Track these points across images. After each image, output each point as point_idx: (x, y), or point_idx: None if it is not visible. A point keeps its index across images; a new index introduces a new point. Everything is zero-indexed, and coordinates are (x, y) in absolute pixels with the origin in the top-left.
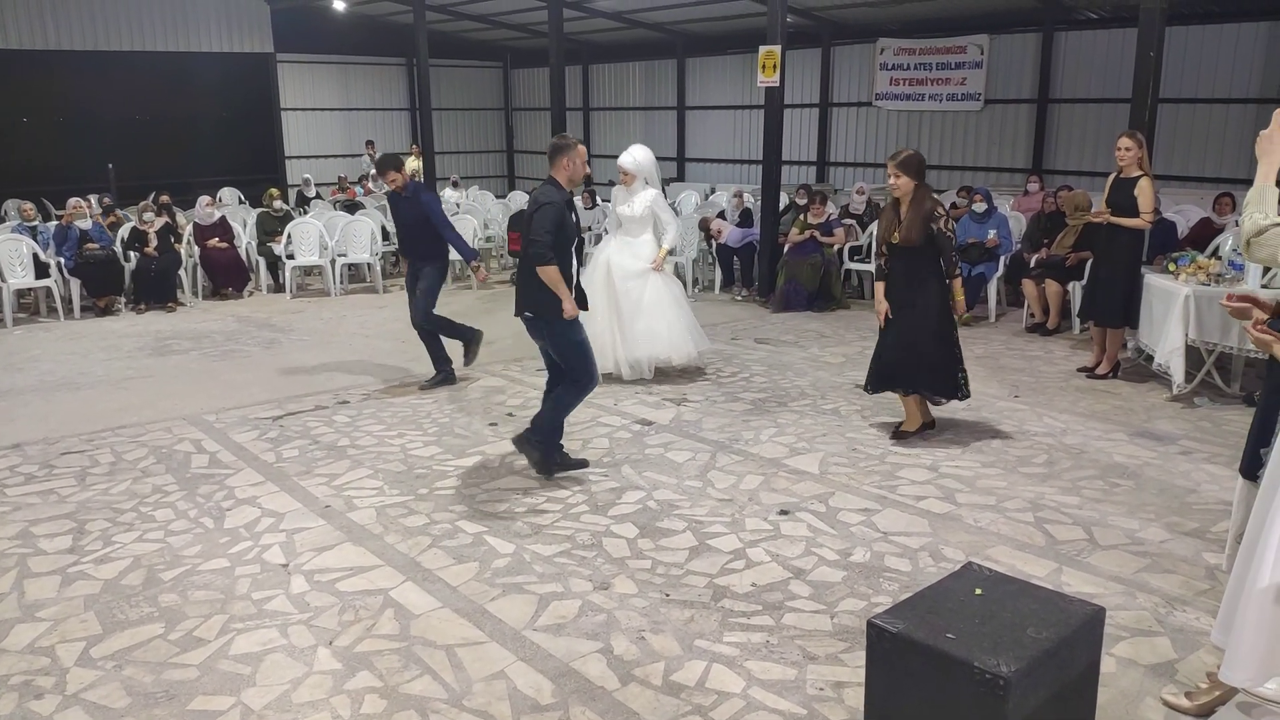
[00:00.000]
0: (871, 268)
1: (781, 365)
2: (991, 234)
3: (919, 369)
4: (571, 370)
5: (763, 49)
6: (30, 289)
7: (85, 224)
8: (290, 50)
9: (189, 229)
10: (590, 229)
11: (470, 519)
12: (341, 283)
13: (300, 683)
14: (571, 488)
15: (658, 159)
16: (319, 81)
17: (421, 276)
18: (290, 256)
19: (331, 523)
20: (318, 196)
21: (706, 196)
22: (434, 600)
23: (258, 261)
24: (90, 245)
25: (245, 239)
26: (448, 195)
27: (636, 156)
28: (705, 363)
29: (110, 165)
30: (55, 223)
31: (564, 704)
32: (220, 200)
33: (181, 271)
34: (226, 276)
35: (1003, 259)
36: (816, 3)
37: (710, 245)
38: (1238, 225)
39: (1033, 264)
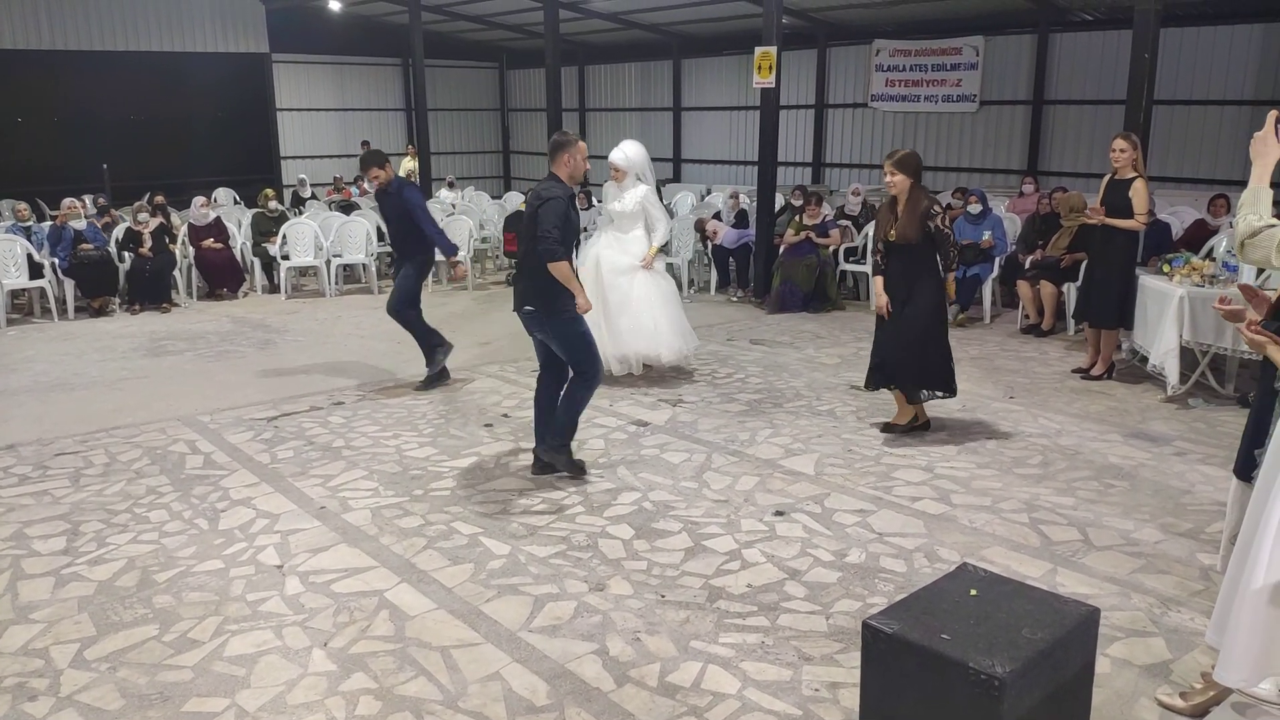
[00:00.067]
0: (867, 268)
1: (777, 366)
2: (986, 235)
3: (914, 366)
4: (577, 364)
5: (758, 50)
6: (24, 289)
7: (80, 224)
8: (285, 50)
9: (184, 229)
10: (586, 230)
11: (465, 520)
12: (337, 283)
13: (295, 684)
14: (567, 489)
15: (654, 160)
16: (314, 82)
17: (402, 270)
18: (285, 257)
19: (326, 524)
20: (313, 197)
21: (702, 197)
22: (429, 601)
23: (253, 262)
24: (85, 246)
25: (240, 240)
26: (443, 195)
27: (627, 152)
28: (696, 363)
29: (105, 165)
30: (50, 223)
31: (559, 705)
32: (215, 201)
33: (176, 272)
34: (221, 277)
35: (998, 260)
36: (812, 4)
37: (706, 246)
38: (1232, 227)
39: (1028, 265)
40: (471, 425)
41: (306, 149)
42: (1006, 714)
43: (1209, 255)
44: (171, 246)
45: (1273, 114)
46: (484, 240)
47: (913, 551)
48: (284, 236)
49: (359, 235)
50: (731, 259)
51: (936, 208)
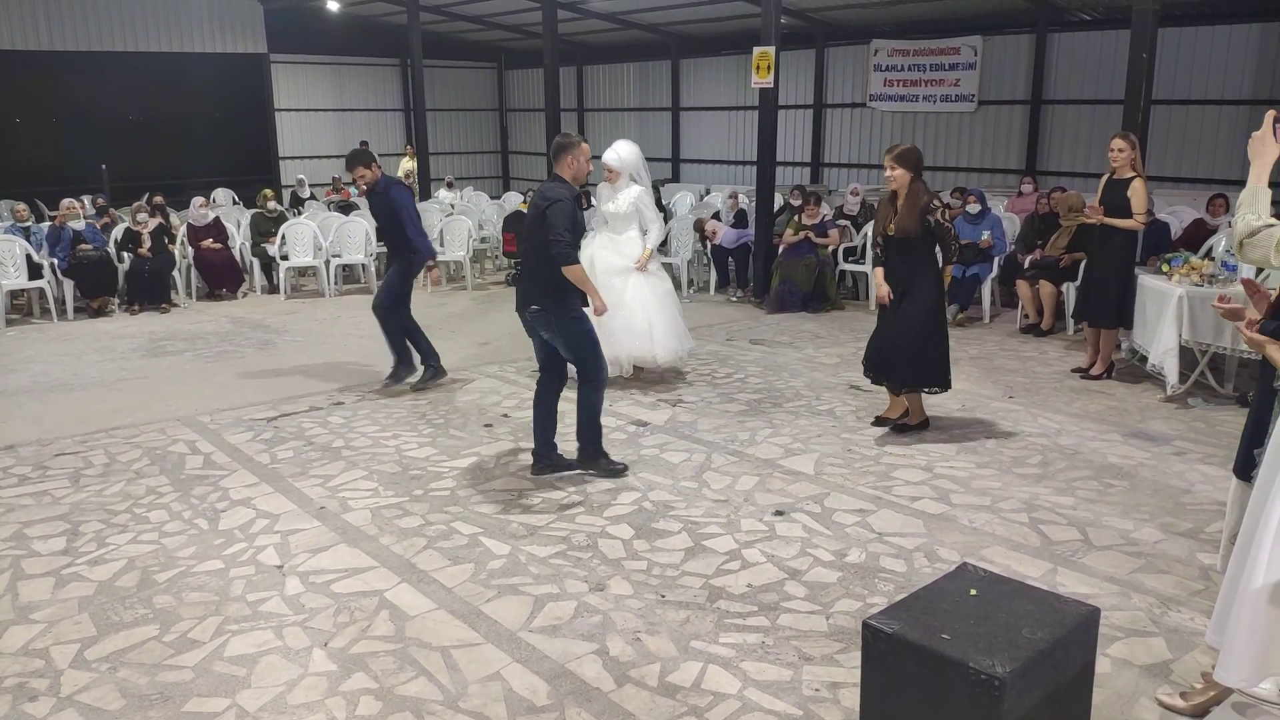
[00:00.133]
0: (867, 267)
1: (776, 366)
2: (985, 235)
3: (909, 364)
4: (581, 364)
5: (757, 50)
6: (23, 290)
7: (79, 225)
8: (284, 51)
9: (183, 230)
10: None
11: (465, 520)
12: (336, 283)
13: (295, 684)
14: (567, 489)
15: (653, 160)
16: (313, 82)
17: (390, 269)
18: (284, 257)
19: (326, 524)
20: (312, 197)
21: (701, 197)
22: (429, 601)
23: (252, 262)
24: (84, 246)
25: (239, 240)
26: (442, 196)
27: (621, 153)
28: (695, 363)
29: (104, 166)
30: (49, 224)
31: (559, 705)
32: (214, 201)
33: (175, 272)
34: (220, 277)
35: (997, 260)
36: (810, 4)
37: (705, 246)
38: (1231, 226)
39: (1027, 265)
40: (471, 425)
41: (305, 149)
42: (1007, 714)
43: (1208, 255)
44: (170, 247)
45: (1270, 114)
46: (483, 240)
47: (912, 551)
48: (283, 237)
49: (358, 235)
50: (730, 259)
51: (936, 202)
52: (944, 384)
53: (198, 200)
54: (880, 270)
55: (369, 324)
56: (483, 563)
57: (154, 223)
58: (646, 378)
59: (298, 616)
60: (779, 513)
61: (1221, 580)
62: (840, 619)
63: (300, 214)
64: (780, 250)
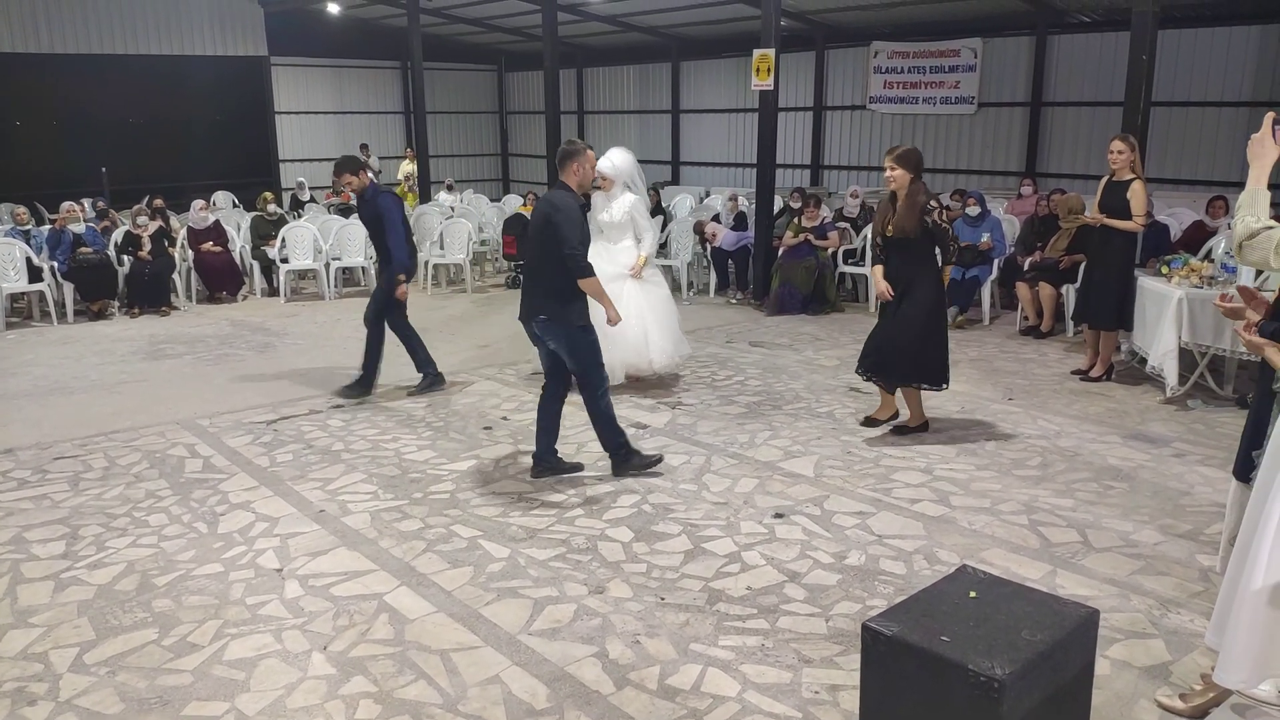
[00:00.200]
0: (866, 269)
1: (776, 368)
2: (985, 237)
3: (905, 363)
4: (582, 373)
5: (757, 52)
6: (23, 293)
7: (79, 228)
8: (284, 53)
9: (183, 233)
10: None
11: (465, 523)
12: (336, 286)
13: (295, 688)
14: (566, 491)
15: (653, 163)
16: (313, 85)
17: (384, 276)
18: (284, 260)
19: (325, 527)
20: (312, 200)
21: (701, 200)
22: (429, 605)
23: (252, 265)
24: (84, 249)
25: (239, 243)
26: (442, 198)
27: (615, 161)
28: (695, 364)
29: (104, 169)
30: (49, 226)
31: (559, 708)
32: (214, 204)
33: (175, 275)
34: (220, 280)
35: (996, 262)
36: (810, 6)
37: (705, 249)
38: (1230, 228)
39: (1026, 267)
40: (471, 428)
41: (305, 152)
42: (1006, 716)
43: (1207, 257)
44: (170, 250)
45: (1270, 115)
46: (483, 243)
47: (912, 553)
48: (283, 239)
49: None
50: (730, 261)
51: (934, 203)
52: (942, 382)
53: (198, 203)
54: (879, 268)
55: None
56: (482, 566)
57: (154, 226)
58: (647, 379)
59: (297, 620)
60: (778, 515)
61: (1221, 582)
62: (840, 621)
63: (300, 217)
64: (780, 252)
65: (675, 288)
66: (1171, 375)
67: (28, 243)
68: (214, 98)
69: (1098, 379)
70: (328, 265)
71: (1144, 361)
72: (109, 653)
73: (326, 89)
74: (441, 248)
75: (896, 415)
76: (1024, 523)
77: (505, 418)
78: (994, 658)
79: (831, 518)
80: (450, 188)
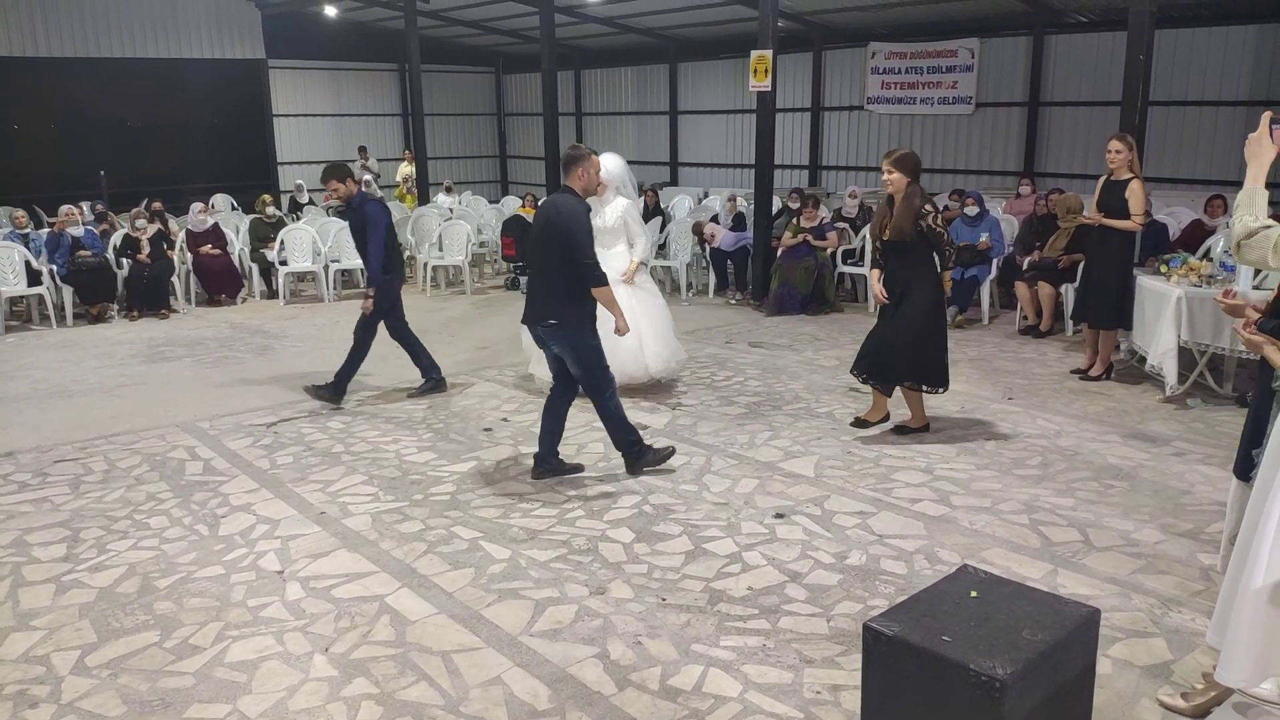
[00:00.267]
0: (865, 271)
1: (775, 369)
2: (984, 237)
3: (903, 364)
4: (589, 376)
5: (754, 53)
6: (22, 297)
7: (78, 231)
8: (282, 56)
9: (181, 236)
10: None
11: (466, 525)
12: (335, 289)
13: (296, 690)
14: (567, 493)
15: (651, 164)
16: (311, 87)
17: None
18: (283, 263)
19: (326, 529)
20: (310, 202)
21: (700, 201)
22: (430, 606)
23: (251, 268)
24: (83, 252)
25: (238, 245)
26: (441, 200)
27: (607, 166)
28: (690, 367)
29: (102, 172)
30: (47, 230)
31: (561, 709)
32: (213, 207)
33: (174, 278)
34: (219, 283)
35: (995, 262)
36: (807, 7)
37: (704, 249)
38: (1228, 227)
39: (1025, 266)
40: (471, 430)
41: (303, 154)
42: (1008, 715)
43: (1206, 256)
44: (170, 253)
45: (1267, 115)
46: (482, 245)
47: (913, 553)
48: (282, 242)
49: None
50: (729, 262)
51: (929, 207)
52: (941, 384)
53: (196, 206)
54: (876, 272)
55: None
56: (483, 567)
57: (153, 229)
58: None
59: (298, 622)
60: (779, 515)
61: (1222, 581)
62: (841, 621)
63: (299, 219)
64: (779, 253)
65: (674, 289)
66: (1171, 374)
67: (26, 246)
68: (212, 100)
69: (1097, 378)
70: (326, 267)
71: (1143, 360)
72: (110, 655)
73: (324, 91)
74: (440, 249)
75: (888, 418)
76: (1024, 522)
77: (505, 419)
78: (995, 657)
79: (832, 518)
80: (449, 189)
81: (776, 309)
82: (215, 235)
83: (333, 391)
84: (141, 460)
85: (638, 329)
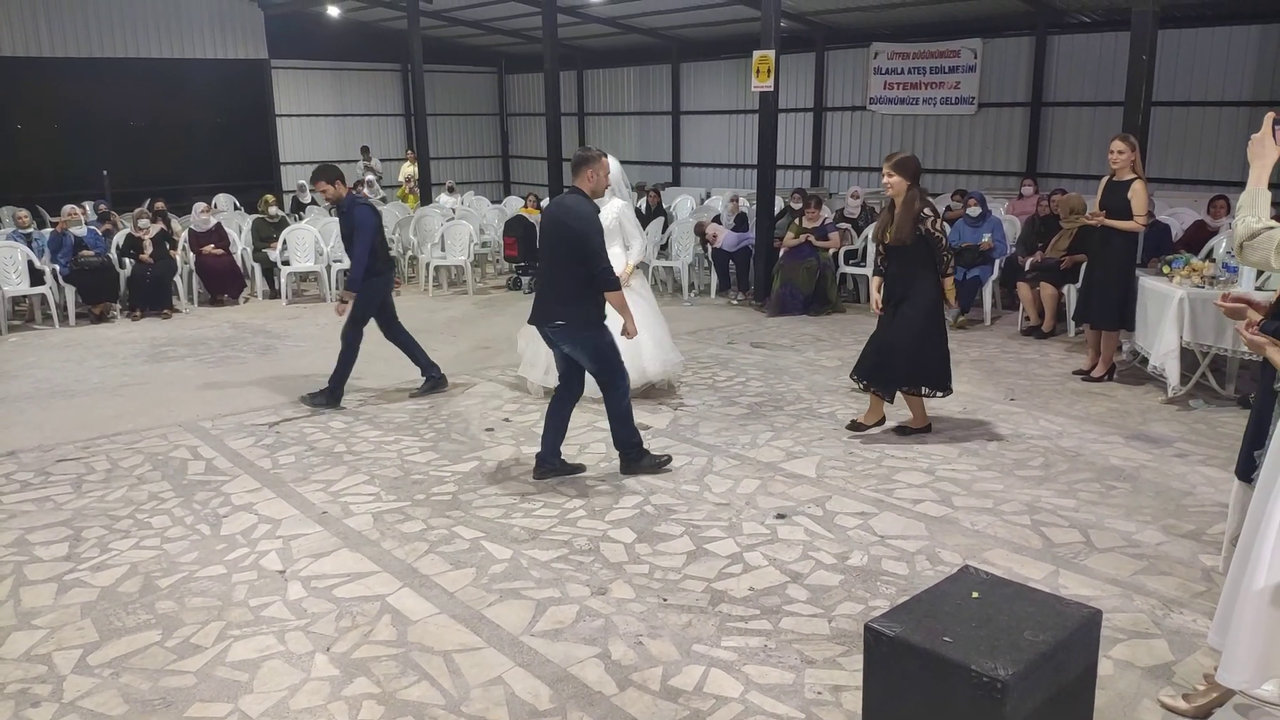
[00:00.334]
0: (868, 271)
1: (777, 369)
2: (986, 237)
3: (903, 366)
4: (601, 374)
5: (757, 54)
6: (25, 296)
7: (80, 231)
8: (284, 56)
9: (184, 235)
10: None
11: (467, 525)
12: (337, 289)
13: (298, 689)
14: (568, 493)
15: (653, 164)
16: (314, 87)
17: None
18: (286, 262)
19: (328, 529)
20: (313, 202)
21: (702, 201)
22: (431, 606)
23: (253, 268)
24: (85, 252)
25: (241, 245)
26: (443, 200)
27: None
28: (691, 367)
29: (105, 172)
30: (50, 230)
31: (562, 709)
32: (215, 206)
33: (177, 278)
34: (222, 283)
35: (997, 262)
36: (810, 7)
37: (706, 250)
38: (1231, 228)
39: (1027, 267)
40: (473, 430)
41: (306, 154)
42: (1009, 716)
43: (1209, 256)
44: (172, 252)
45: (1270, 115)
46: (484, 245)
47: (914, 554)
48: (284, 242)
49: None
50: (731, 262)
51: (928, 211)
52: (944, 388)
53: (199, 206)
54: (877, 280)
55: (369, 329)
56: (484, 567)
57: (155, 228)
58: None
59: (300, 621)
60: (781, 516)
61: (1223, 582)
62: (842, 622)
63: (301, 219)
64: (781, 253)
65: (677, 289)
66: (1173, 375)
67: (29, 246)
68: (215, 100)
69: (1099, 379)
70: (329, 267)
71: (1145, 361)
72: (112, 654)
73: (327, 91)
74: (443, 249)
75: (883, 421)
76: (1026, 523)
77: (507, 419)
78: (996, 658)
79: (834, 518)
80: (451, 189)
81: (778, 309)
82: (218, 235)
83: (329, 397)
84: (144, 460)
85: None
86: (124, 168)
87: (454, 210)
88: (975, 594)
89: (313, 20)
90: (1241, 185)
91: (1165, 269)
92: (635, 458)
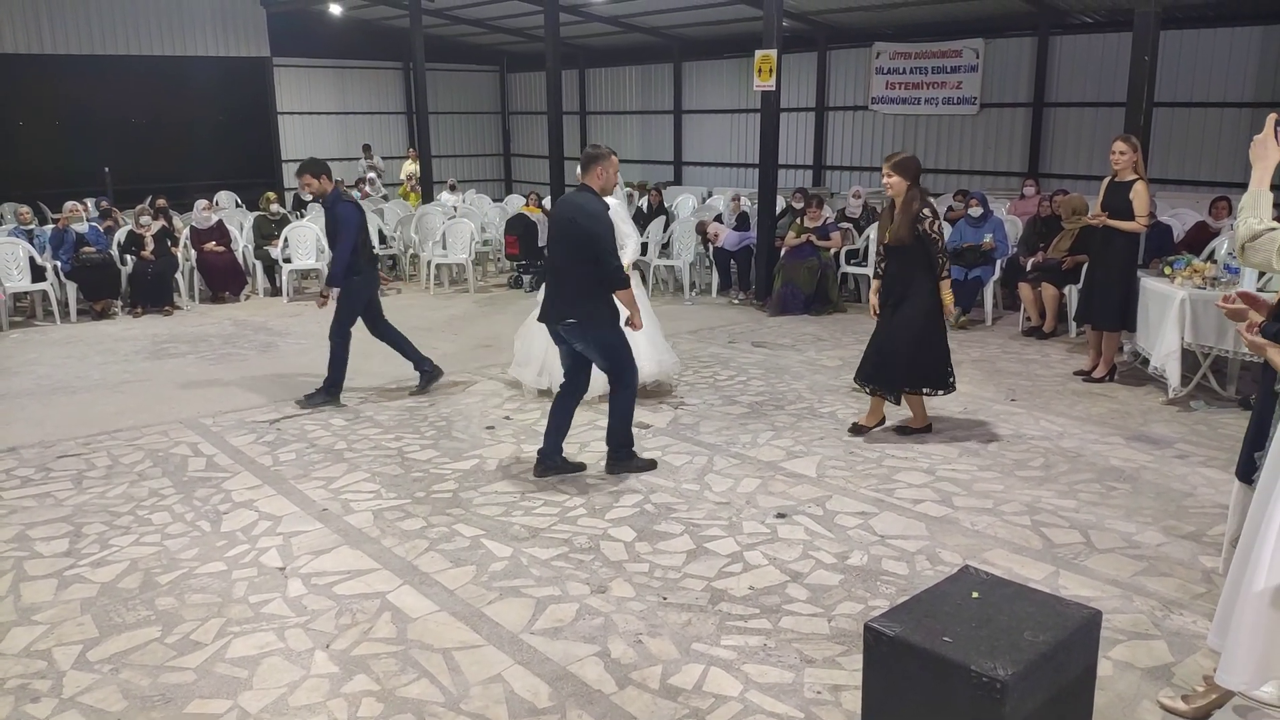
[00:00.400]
0: (869, 271)
1: (778, 369)
2: (987, 238)
3: (901, 369)
4: (613, 370)
5: (759, 53)
6: (27, 292)
7: (82, 227)
8: (286, 54)
9: (186, 232)
10: None
11: (467, 522)
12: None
13: (297, 686)
14: (569, 491)
15: (655, 163)
16: (315, 85)
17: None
18: (287, 260)
19: (328, 526)
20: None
21: (703, 200)
22: (431, 603)
23: (254, 265)
24: (87, 249)
25: (242, 243)
26: (445, 198)
27: None
28: (692, 366)
29: (107, 169)
30: (52, 226)
31: (561, 707)
32: (217, 204)
33: (178, 275)
34: (223, 280)
35: (999, 263)
36: (812, 7)
37: (707, 249)
38: (1233, 229)
39: (1029, 267)
40: (473, 428)
41: (308, 152)
42: (1008, 717)
43: (1210, 257)
44: (173, 249)
45: (1272, 116)
46: (485, 243)
47: (914, 554)
48: (286, 239)
49: None
50: (733, 261)
51: (927, 211)
52: (945, 386)
53: (201, 203)
54: (876, 283)
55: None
56: (484, 565)
57: (157, 225)
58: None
59: (300, 618)
60: (781, 515)
61: (1223, 583)
62: (842, 621)
63: (303, 217)
64: (782, 253)
65: (678, 288)
66: (1174, 376)
67: (31, 242)
68: (217, 98)
69: (1100, 380)
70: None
71: (1146, 362)
72: (112, 650)
73: (329, 89)
74: (444, 248)
75: (883, 422)
76: (1026, 523)
77: (508, 417)
78: (996, 658)
79: (834, 518)
80: (453, 188)
81: (780, 309)
82: (219, 232)
83: (325, 396)
84: (144, 456)
85: (633, 334)
86: (126, 165)
87: (455, 208)
88: (975, 594)
89: (315, 18)
90: (1243, 187)
91: (1167, 270)
92: (624, 457)
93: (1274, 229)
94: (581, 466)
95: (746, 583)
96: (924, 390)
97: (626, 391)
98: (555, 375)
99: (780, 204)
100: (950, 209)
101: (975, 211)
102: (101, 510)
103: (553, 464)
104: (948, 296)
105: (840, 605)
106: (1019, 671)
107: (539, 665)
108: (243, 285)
